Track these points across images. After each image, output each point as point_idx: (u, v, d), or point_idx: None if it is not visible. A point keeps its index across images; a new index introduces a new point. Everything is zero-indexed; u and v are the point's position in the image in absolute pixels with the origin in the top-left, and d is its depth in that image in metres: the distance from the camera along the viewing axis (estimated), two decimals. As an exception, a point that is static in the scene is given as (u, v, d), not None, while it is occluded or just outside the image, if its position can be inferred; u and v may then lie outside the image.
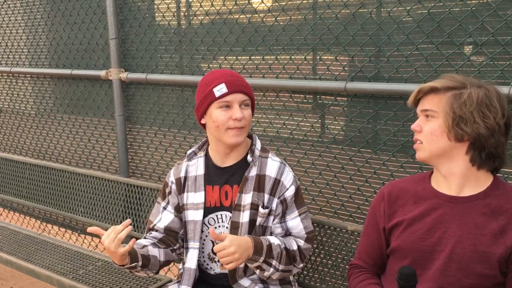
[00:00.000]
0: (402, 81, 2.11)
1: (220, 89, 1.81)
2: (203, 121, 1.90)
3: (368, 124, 2.24)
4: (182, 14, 2.85)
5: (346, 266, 2.15)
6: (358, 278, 1.71)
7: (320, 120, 2.41)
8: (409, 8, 2.06)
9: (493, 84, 1.53)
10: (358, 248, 1.79)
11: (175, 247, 2.00)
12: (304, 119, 2.45)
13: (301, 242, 1.89)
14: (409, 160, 2.15)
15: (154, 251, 1.92)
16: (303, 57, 2.39)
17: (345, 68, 2.27)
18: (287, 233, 1.90)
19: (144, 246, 1.91)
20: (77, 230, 3.67)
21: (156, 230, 2.00)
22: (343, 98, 2.31)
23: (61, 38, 3.47)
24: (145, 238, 2.01)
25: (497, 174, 1.57)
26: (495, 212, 1.47)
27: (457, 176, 1.53)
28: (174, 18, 2.87)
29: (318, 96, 2.39)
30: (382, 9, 2.13)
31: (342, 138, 2.33)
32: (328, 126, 2.38)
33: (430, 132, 1.52)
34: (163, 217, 2.00)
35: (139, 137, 3.18)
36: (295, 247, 1.87)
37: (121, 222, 2.78)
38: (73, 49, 3.41)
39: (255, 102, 2.05)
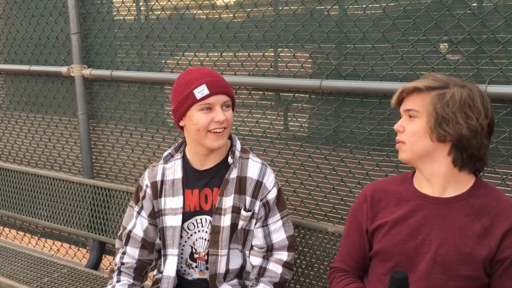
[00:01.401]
0: (377, 79, 2.09)
1: (201, 91, 1.72)
2: (181, 123, 1.82)
3: (344, 123, 2.22)
4: (148, 8, 2.74)
5: (327, 268, 2.13)
6: (341, 282, 1.67)
7: (294, 118, 2.36)
8: (384, 5, 2.04)
9: (475, 84, 1.51)
10: (340, 250, 1.75)
11: (149, 268, 1.94)
12: (278, 118, 2.40)
13: (285, 255, 1.84)
14: (385, 159, 2.13)
15: None
16: (277, 54, 2.35)
17: (320, 66, 2.23)
18: (268, 248, 1.83)
19: None
20: (37, 233, 3.51)
21: (131, 239, 1.90)
22: (318, 96, 2.27)
23: (17, 32, 3.28)
24: (120, 271, 1.89)
25: (496, 175, 1.57)
26: (478, 212, 1.47)
27: (439, 177, 1.51)
28: (140, 12, 2.76)
29: (293, 94, 2.34)
30: (357, 6, 2.10)
31: (317, 136, 2.30)
32: (302, 124, 2.34)
33: (413, 132, 1.50)
34: (138, 223, 1.91)
35: (104, 136, 3.05)
36: (279, 271, 1.82)
37: (87, 226, 2.68)
38: (31, 44, 3.24)
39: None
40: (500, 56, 1.84)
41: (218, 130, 1.74)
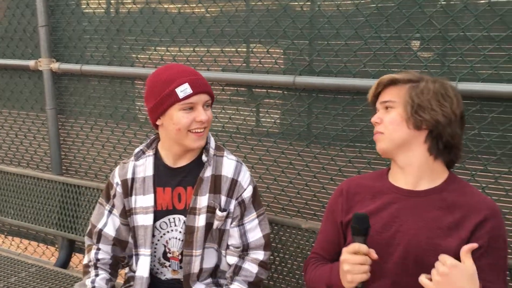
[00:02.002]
0: (350, 75, 2.10)
1: (184, 90, 1.66)
2: (158, 122, 1.75)
3: (317, 119, 2.22)
4: (119, 1, 2.68)
5: (300, 264, 2.13)
6: (313, 266, 1.69)
7: (267, 114, 2.35)
8: (357, 2, 2.04)
9: (445, 79, 1.57)
10: (316, 243, 1.76)
11: (121, 265, 1.91)
12: (251, 114, 2.39)
13: (261, 255, 1.83)
14: (357, 155, 2.15)
15: None
16: (250, 50, 2.33)
17: (293, 62, 2.23)
18: (244, 248, 1.82)
19: None
20: (4, 231, 3.41)
21: (103, 238, 1.87)
22: (291, 93, 2.27)
23: (-18, 24, 3.17)
24: (96, 266, 1.85)
25: (466, 171, 1.59)
26: (451, 206, 1.50)
27: (415, 167, 1.54)
28: (110, 5, 2.70)
29: (266, 90, 2.33)
30: (330, 2, 2.10)
31: (291, 133, 2.30)
32: (276, 120, 2.33)
33: (390, 121, 1.54)
34: (110, 222, 1.87)
35: (73, 131, 2.98)
36: (255, 270, 1.81)
37: (56, 224, 2.62)
38: (-4, 37, 3.14)
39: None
40: (470, 53, 1.87)
41: (199, 130, 1.71)
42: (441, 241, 1.47)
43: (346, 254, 1.42)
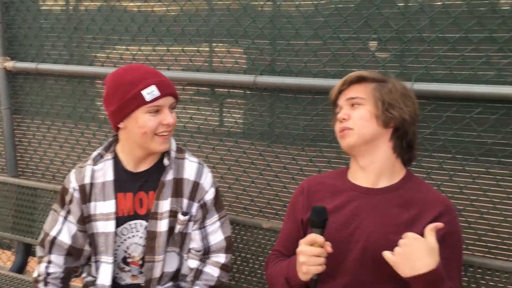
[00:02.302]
0: (310, 75, 2.12)
1: (151, 92, 1.61)
2: (121, 125, 1.69)
3: (278, 119, 2.23)
4: (76, -1, 2.62)
5: (262, 264, 2.14)
6: (274, 262, 1.70)
7: (228, 114, 2.35)
8: (316, 2, 2.06)
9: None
10: (277, 241, 1.78)
11: (74, 275, 1.85)
12: (212, 113, 2.38)
13: (222, 257, 1.81)
14: (318, 154, 2.17)
15: None
16: (211, 49, 2.32)
17: (254, 62, 2.23)
18: (205, 251, 1.80)
19: None
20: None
21: (56, 246, 1.78)
22: (253, 92, 2.27)
23: None
24: (47, 283, 1.77)
25: (422, 169, 1.63)
26: (407, 203, 1.53)
27: (377, 165, 1.58)
28: (68, 3, 2.64)
29: (228, 90, 2.33)
30: (290, 3, 2.12)
31: (252, 132, 2.30)
32: (237, 120, 2.33)
33: (360, 117, 1.56)
34: (65, 229, 1.79)
35: (29, 132, 2.90)
36: (216, 274, 1.79)
37: (11, 228, 2.53)
38: None
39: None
40: (425, 54, 1.91)
41: (165, 133, 1.67)
42: (398, 238, 1.49)
43: (303, 245, 1.44)
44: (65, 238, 1.78)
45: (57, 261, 1.79)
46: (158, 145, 1.68)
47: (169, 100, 1.67)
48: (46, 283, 1.77)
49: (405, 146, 1.58)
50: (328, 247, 1.43)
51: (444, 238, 1.47)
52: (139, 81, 1.62)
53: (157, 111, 1.64)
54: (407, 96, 1.57)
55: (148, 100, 1.61)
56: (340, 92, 1.65)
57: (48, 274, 1.78)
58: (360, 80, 1.60)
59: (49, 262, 1.79)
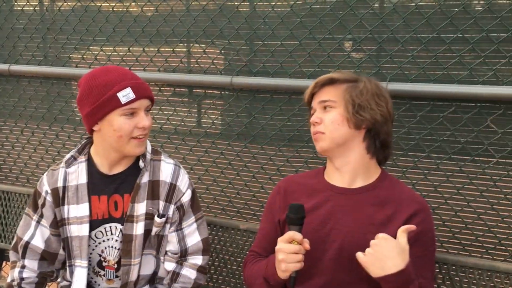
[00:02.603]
0: (286, 76, 2.12)
1: (126, 95, 1.59)
2: (95, 128, 1.67)
3: (255, 119, 2.23)
4: (49, -1, 2.58)
5: (240, 265, 2.13)
6: (251, 263, 1.70)
7: (206, 115, 2.34)
8: (292, 3, 2.06)
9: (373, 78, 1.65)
10: (254, 242, 1.78)
11: (49, 280, 1.82)
12: (189, 114, 2.36)
13: (199, 259, 1.80)
14: (295, 155, 2.17)
15: None
16: (187, 50, 2.31)
17: (231, 63, 2.22)
18: (182, 254, 1.79)
19: None
20: None
21: (29, 251, 1.75)
22: (229, 93, 2.26)
23: None
24: (20, 287, 1.75)
25: (397, 168, 1.64)
26: (383, 202, 1.55)
27: (351, 166, 1.58)
28: (41, 3, 2.59)
29: (204, 90, 2.32)
30: (266, 3, 2.11)
31: (229, 133, 2.29)
32: (214, 121, 2.32)
33: (331, 121, 1.56)
34: (38, 233, 1.76)
35: (2, 135, 2.84)
36: (193, 276, 1.78)
37: (-17, 234, 2.46)
38: None
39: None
40: (399, 55, 1.93)
41: (141, 136, 1.65)
42: (373, 237, 1.51)
43: (281, 243, 1.44)
44: (38, 243, 1.75)
45: (31, 266, 1.76)
46: (134, 148, 1.67)
47: (144, 102, 1.65)
48: None
49: (378, 146, 1.59)
50: (306, 244, 1.44)
51: (417, 236, 1.49)
52: (114, 83, 1.60)
53: (132, 113, 1.63)
54: (380, 96, 1.57)
55: (124, 102, 1.59)
56: (312, 94, 1.65)
57: (22, 279, 1.75)
58: (331, 82, 1.60)
59: (23, 267, 1.76)
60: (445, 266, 1.82)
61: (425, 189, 1.96)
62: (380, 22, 1.93)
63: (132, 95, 1.60)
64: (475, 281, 1.78)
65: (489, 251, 1.89)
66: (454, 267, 1.81)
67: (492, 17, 1.79)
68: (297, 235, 1.43)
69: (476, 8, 1.83)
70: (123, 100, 1.59)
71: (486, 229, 1.89)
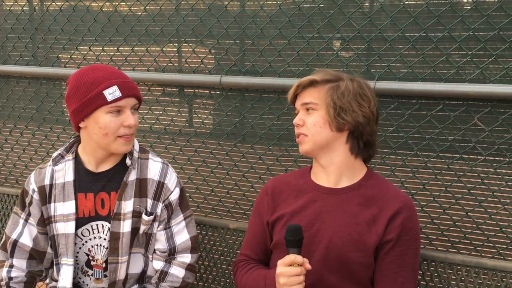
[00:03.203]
0: (275, 75, 2.12)
1: (112, 93, 1.60)
2: (82, 125, 1.68)
3: (244, 119, 2.23)
4: (37, -2, 2.57)
5: (230, 264, 2.13)
6: (244, 269, 1.69)
7: (195, 114, 2.33)
8: (280, 2, 2.07)
9: (361, 77, 1.64)
10: (243, 244, 1.77)
11: (39, 278, 1.81)
12: (178, 114, 2.36)
13: (188, 258, 1.80)
14: (284, 154, 2.17)
15: None
16: (177, 49, 2.30)
17: (220, 62, 2.22)
18: (171, 252, 1.79)
19: None
20: None
21: (17, 249, 1.75)
22: (218, 92, 2.26)
23: None
24: (9, 286, 1.74)
25: (386, 167, 1.65)
26: (368, 201, 1.55)
27: (336, 166, 1.58)
28: (29, 2, 2.58)
29: (194, 90, 2.31)
30: (255, 2, 2.12)
31: (218, 132, 2.29)
32: (204, 120, 2.31)
33: (313, 123, 1.56)
34: (26, 232, 1.76)
35: (-9, 136, 2.82)
36: (181, 274, 1.78)
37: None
38: None
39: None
40: (387, 53, 1.94)
41: (127, 135, 1.65)
42: (360, 237, 1.52)
43: (282, 267, 1.43)
44: (27, 241, 1.76)
45: (19, 265, 1.76)
46: (120, 147, 1.67)
47: (131, 101, 1.65)
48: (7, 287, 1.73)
49: (362, 146, 1.58)
50: (307, 264, 1.43)
51: (399, 235, 1.50)
52: (101, 81, 1.61)
53: (118, 111, 1.63)
54: (362, 96, 1.55)
55: (110, 100, 1.60)
56: (295, 95, 1.64)
57: (10, 278, 1.75)
58: (313, 83, 1.58)
59: (11, 266, 1.76)
60: (434, 264, 1.83)
61: (413, 187, 1.97)
62: (368, 21, 1.94)
63: (118, 93, 1.61)
64: (463, 278, 1.79)
65: (477, 248, 1.91)
66: (442, 264, 1.82)
67: (479, 16, 1.80)
68: (298, 258, 1.42)
69: (464, 7, 1.84)
70: (109, 97, 1.60)
71: (474, 226, 1.90)
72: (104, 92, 1.60)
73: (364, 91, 1.57)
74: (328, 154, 1.58)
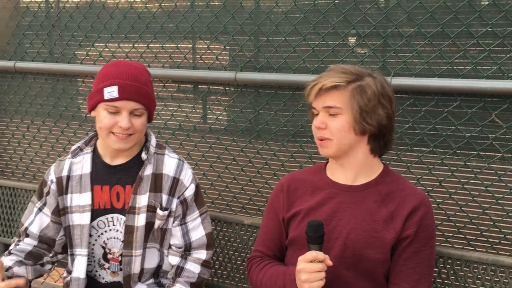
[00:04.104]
0: (290, 71, 2.12)
1: (110, 92, 1.62)
2: (93, 114, 1.73)
3: (259, 115, 2.23)
4: (54, -4, 2.59)
5: (244, 260, 2.14)
6: (260, 265, 1.69)
7: (209, 111, 2.34)
8: (296, -2, 2.06)
9: (379, 72, 1.60)
10: (257, 240, 1.77)
11: (48, 257, 1.82)
12: (193, 110, 2.37)
13: (203, 254, 1.81)
14: (299, 150, 2.17)
15: (20, 271, 1.72)
16: (190, 45, 2.31)
17: (235, 58, 2.23)
18: (186, 248, 1.79)
19: (9, 268, 1.70)
20: None
21: (28, 235, 1.80)
22: (233, 89, 2.27)
23: None
24: (10, 253, 1.77)
25: (401, 163, 1.63)
26: (385, 199, 1.54)
27: (355, 165, 1.58)
28: (46, 0, 2.61)
29: (208, 86, 2.32)
30: (269, -1, 2.12)
31: (233, 129, 2.29)
32: (218, 116, 2.32)
33: (339, 129, 1.52)
34: (37, 220, 1.80)
35: (9, 131, 2.86)
36: (197, 270, 1.79)
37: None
38: None
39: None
40: (403, 49, 1.92)
41: (120, 135, 1.67)
42: (377, 234, 1.51)
43: (303, 263, 1.43)
44: (35, 229, 1.80)
45: (29, 241, 1.80)
46: (113, 143, 1.70)
47: (129, 104, 1.65)
48: (9, 253, 1.77)
49: (382, 145, 1.57)
50: (328, 260, 1.43)
51: (417, 231, 1.49)
52: (106, 78, 1.65)
53: (116, 112, 1.65)
54: (385, 96, 1.52)
55: (106, 98, 1.63)
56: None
57: (15, 247, 1.79)
58: (336, 86, 1.51)
59: (19, 241, 1.81)
60: (450, 261, 1.82)
61: (429, 184, 1.95)
62: (384, 16, 1.93)
63: (115, 94, 1.63)
64: (480, 276, 1.78)
65: (494, 245, 1.89)
66: (458, 262, 1.80)
67: (497, 11, 1.78)
68: (320, 255, 1.42)
69: (481, 2, 1.82)
70: (106, 96, 1.64)
71: (491, 224, 1.88)
72: (104, 89, 1.64)
73: (385, 90, 1.53)
74: (349, 155, 1.57)
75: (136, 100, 1.66)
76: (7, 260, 1.73)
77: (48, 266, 1.85)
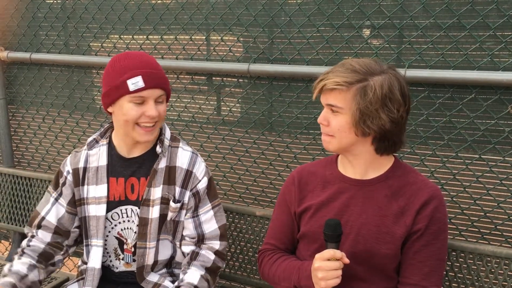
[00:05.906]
0: (304, 63, 2.11)
1: (135, 83, 1.61)
2: (110, 110, 1.71)
3: (272, 107, 2.23)
4: (69, -12, 2.61)
5: (256, 251, 2.14)
6: (272, 258, 1.69)
7: (223, 103, 2.35)
8: (310, -11, 2.05)
9: (394, 70, 1.51)
10: (268, 233, 1.77)
11: (60, 255, 1.83)
12: (206, 102, 2.38)
13: (217, 244, 1.81)
14: (312, 142, 2.17)
15: (34, 276, 1.73)
16: (204, 37, 2.31)
17: (248, 50, 2.22)
18: (199, 238, 1.80)
19: (25, 276, 1.71)
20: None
21: (41, 227, 1.80)
22: (246, 80, 2.27)
23: None
24: (23, 252, 1.77)
25: (415, 156, 1.62)
26: (396, 193, 1.53)
27: (361, 162, 1.56)
28: (60, -8, 2.63)
29: (222, 78, 2.32)
30: (283, -10, 2.11)
31: (246, 121, 2.30)
32: (231, 108, 2.33)
33: (338, 128, 1.50)
34: (53, 210, 1.81)
35: (25, 122, 2.90)
36: (212, 257, 1.79)
37: (6, 218, 2.53)
38: None
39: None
40: (418, 41, 1.91)
41: (147, 125, 1.66)
42: (388, 229, 1.50)
43: (320, 261, 1.44)
44: (52, 219, 1.81)
45: (43, 236, 1.81)
46: (139, 136, 1.69)
47: (155, 92, 1.65)
48: (22, 254, 1.77)
49: (388, 145, 1.52)
50: (346, 259, 1.43)
51: (428, 224, 1.48)
52: (127, 70, 1.63)
53: (142, 102, 1.64)
54: (392, 100, 1.44)
55: (132, 90, 1.62)
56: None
57: (28, 245, 1.80)
58: (338, 85, 1.47)
59: (32, 236, 1.82)
60: (463, 255, 1.80)
61: (443, 177, 1.94)
62: (399, 7, 1.91)
63: (141, 84, 1.62)
64: (493, 270, 1.76)
65: (508, 239, 1.87)
66: (471, 255, 1.79)
67: (514, 2, 1.75)
68: (338, 253, 1.42)
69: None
70: (131, 87, 1.61)
71: (506, 217, 1.87)
72: (127, 81, 1.61)
73: (394, 94, 1.44)
74: (353, 153, 1.55)
75: (160, 87, 1.66)
76: (21, 265, 1.72)
77: (59, 264, 1.86)
